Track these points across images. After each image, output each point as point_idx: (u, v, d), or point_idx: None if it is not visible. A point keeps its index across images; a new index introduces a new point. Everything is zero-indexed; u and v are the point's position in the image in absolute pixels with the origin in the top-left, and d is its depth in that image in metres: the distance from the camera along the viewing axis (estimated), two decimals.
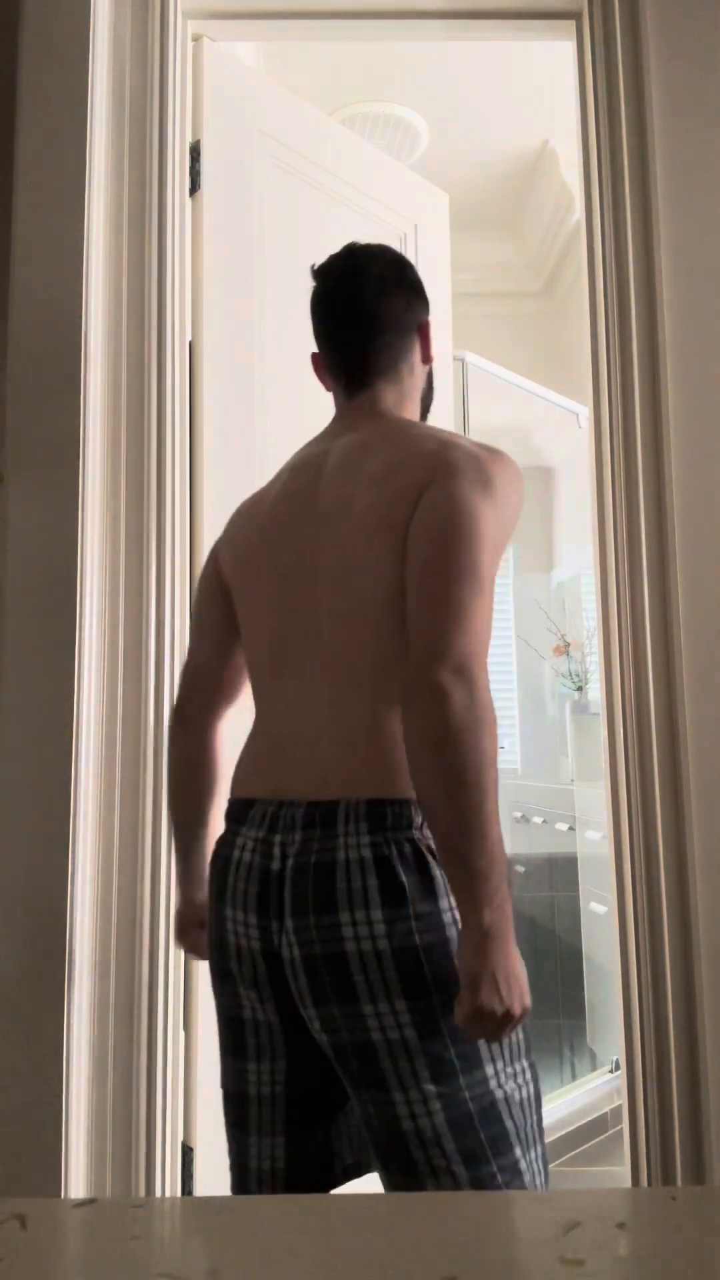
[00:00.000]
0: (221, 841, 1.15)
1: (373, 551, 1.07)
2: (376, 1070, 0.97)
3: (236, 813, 1.14)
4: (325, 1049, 1.04)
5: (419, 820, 1.02)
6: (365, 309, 1.23)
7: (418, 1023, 0.97)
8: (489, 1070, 0.99)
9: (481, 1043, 0.99)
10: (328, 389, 1.33)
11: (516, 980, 0.95)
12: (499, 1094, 0.98)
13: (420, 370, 1.29)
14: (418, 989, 0.97)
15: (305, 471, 1.20)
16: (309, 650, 1.12)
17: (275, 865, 1.06)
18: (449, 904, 1.00)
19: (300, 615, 1.14)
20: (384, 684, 1.06)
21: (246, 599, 1.22)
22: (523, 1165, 0.98)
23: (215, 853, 1.16)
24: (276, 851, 1.06)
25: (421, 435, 1.14)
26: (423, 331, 1.28)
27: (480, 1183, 0.95)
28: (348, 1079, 1.02)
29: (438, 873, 1.01)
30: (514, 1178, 0.97)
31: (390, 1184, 1.00)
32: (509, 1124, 0.98)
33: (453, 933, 1.00)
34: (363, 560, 1.08)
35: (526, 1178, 0.98)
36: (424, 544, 1.03)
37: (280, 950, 1.05)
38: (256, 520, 1.23)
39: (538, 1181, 1.00)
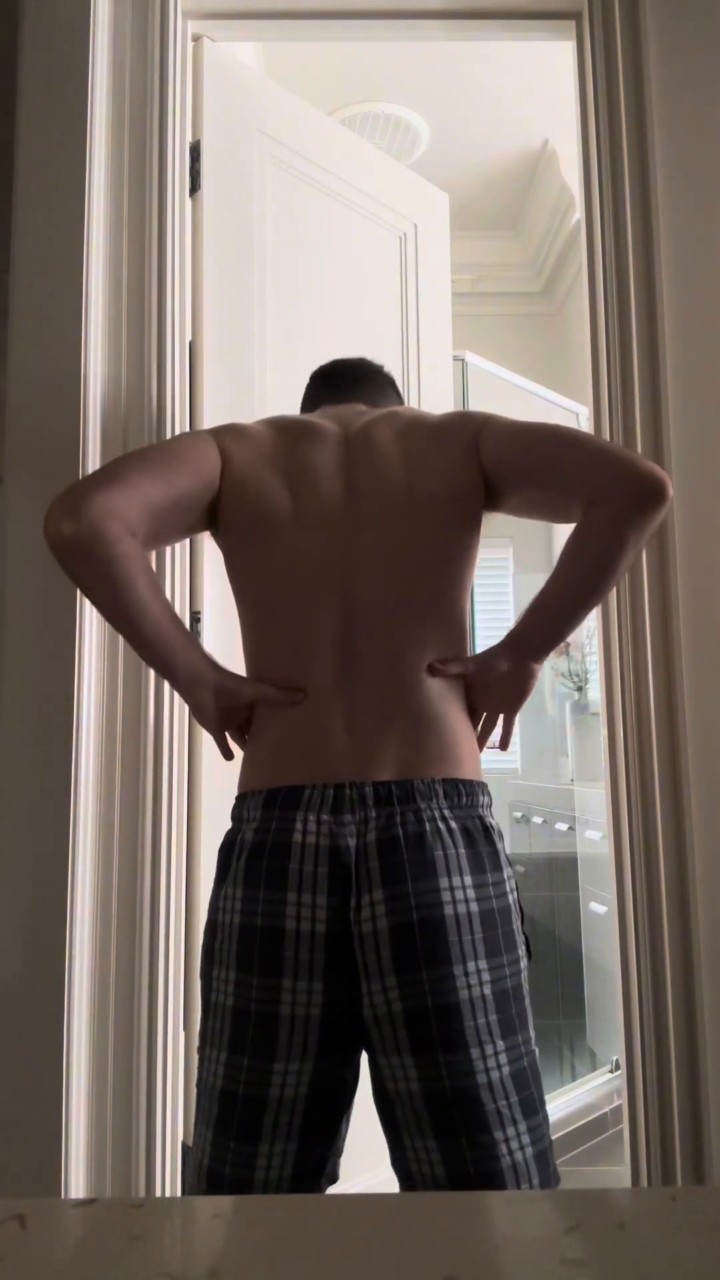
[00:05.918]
0: (259, 829, 1.10)
1: (451, 526, 1.18)
2: (458, 1029, 1.02)
3: (280, 799, 1.10)
4: (385, 1023, 1.03)
5: (484, 800, 1.14)
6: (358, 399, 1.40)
7: (495, 981, 1.05)
8: (531, 1030, 1.09)
9: (521, 1007, 1.08)
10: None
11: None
12: (534, 1054, 1.09)
13: None
14: (494, 949, 1.06)
15: (320, 466, 1.21)
16: (359, 635, 1.14)
17: (349, 842, 1.07)
18: (509, 874, 1.12)
19: (346, 598, 1.15)
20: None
21: (257, 569, 1.20)
22: (545, 1126, 1.06)
23: (250, 841, 1.10)
24: (351, 830, 1.07)
25: (425, 412, 1.30)
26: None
27: (534, 1131, 1.03)
28: (416, 1051, 1.01)
29: (500, 845, 1.12)
30: (545, 1135, 1.05)
31: (447, 1149, 1.00)
32: (537, 1082, 1.08)
33: (512, 899, 1.11)
34: (439, 534, 1.17)
35: (546, 1141, 1.06)
36: (514, 440, 1.20)
37: (357, 926, 1.05)
38: (273, 498, 1.20)
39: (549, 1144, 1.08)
